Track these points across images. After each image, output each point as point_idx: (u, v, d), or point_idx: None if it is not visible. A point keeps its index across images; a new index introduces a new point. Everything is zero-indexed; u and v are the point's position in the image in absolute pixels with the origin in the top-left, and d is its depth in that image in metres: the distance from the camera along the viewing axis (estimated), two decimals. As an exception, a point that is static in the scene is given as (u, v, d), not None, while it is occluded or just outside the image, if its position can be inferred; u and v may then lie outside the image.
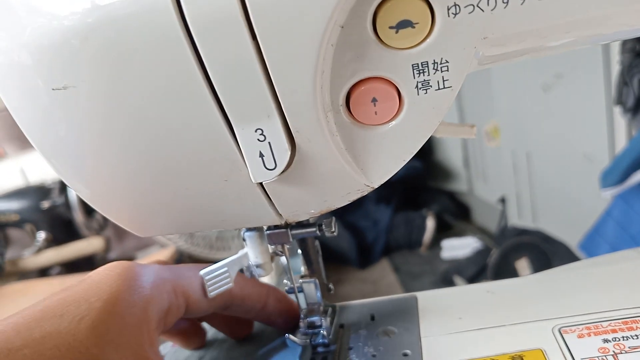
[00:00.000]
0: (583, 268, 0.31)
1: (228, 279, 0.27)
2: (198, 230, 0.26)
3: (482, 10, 0.17)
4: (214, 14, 0.16)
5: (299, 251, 0.30)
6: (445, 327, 0.27)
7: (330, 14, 0.16)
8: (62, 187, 1.07)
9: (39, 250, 1.06)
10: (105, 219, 1.08)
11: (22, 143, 1.23)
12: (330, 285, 0.30)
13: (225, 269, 0.27)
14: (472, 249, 1.46)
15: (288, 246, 0.28)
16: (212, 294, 0.26)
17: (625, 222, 0.78)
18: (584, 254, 0.91)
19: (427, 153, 1.88)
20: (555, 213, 1.19)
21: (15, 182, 1.13)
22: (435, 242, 1.62)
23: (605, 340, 0.23)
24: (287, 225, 0.27)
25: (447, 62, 0.18)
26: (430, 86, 0.19)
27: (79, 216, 1.05)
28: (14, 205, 1.08)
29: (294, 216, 0.24)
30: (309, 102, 0.18)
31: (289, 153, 0.19)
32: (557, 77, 1.03)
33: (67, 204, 1.06)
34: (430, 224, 1.63)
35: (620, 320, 0.24)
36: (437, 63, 0.18)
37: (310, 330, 0.29)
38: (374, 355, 0.26)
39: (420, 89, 0.19)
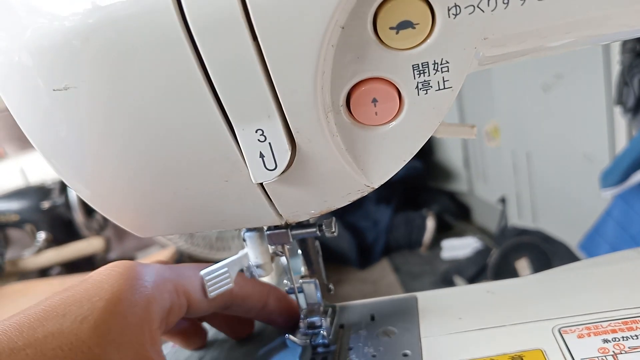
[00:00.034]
0: (583, 268, 0.31)
1: (228, 280, 0.27)
2: (198, 231, 0.26)
3: (483, 11, 0.17)
4: (214, 14, 0.16)
5: (299, 251, 0.30)
6: (445, 327, 0.27)
7: (331, 14, 0.16)
8: (62, 187, 1.07)
9: (39, 250, 1.06)
10: (105, 219, 1.07)
11: (23, 143, 1.23)
12: (331, 286, 0.30)
13: (226, 269, 0.27)
14: (472, 249, 1.46)
15: (288, 246, 0.28)
16: (212, 295, 0.26)
17: (625, 222, 0.78)
18: (584, 254, 0.91)
19: (427, 153, 1.88)
20: (555, 213, 1.19)
21: (16, 182, 1.13)
22: (435, 242, 1.62)
23: (605, 341, 0.23)
24: (287, 226, 0.27)
25: (447, 62, 0.18)
26: (431, 86, 0.19)
27: (79, 216, 1.05)
28: (14, 205, 1.08)
29: (294, 216, 0.24)
30: (309, 103, 0.18)
31: (289, 153, 0.19)
32: (557, 77, 1.03)
33: (67, 204, 1.06)
34: (430, 224, 1.63)
35: (620, 321, 0.24)
36: (437, 63, 0.18)
37: (310, 331, 0.29)
38: (374, 356, 0.26)
39: (420, 89, 0.19)
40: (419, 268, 1.53)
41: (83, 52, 0.18)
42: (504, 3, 0.17)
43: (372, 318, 0.30)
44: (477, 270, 1.28)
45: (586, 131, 1.00)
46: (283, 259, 0.28)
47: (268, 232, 0.27)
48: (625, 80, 0.73)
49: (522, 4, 0.17)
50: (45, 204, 1.06)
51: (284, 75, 0.18)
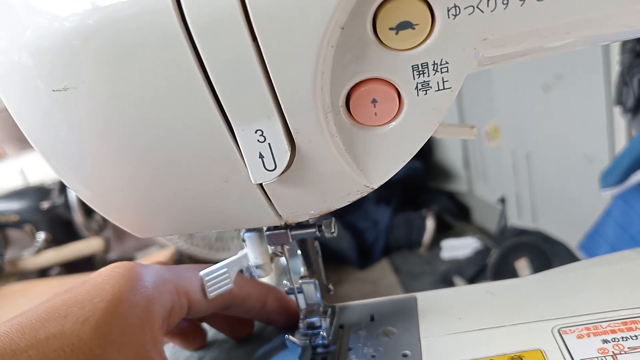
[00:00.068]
0: (583, 268, 0.31)
1: (228, 280, 0.27)
2: (198, 231, 0.26)
3: (482, 12, 0.17)
4: (214, 14, 0.16)
5: (299, 252, 0.30)
6: (445, 327, 0.27)
7: (330, 15, 0.16)
8: (62, 187, 1.07)
9: (39, 250, 1.05)
10: (104, 220, 1.07)
11: (22, 143, 1.23)
12: (330, 286, 0.30)
13: (225, 269, 0.27)
14: (472, 249, 1.46)
15: (288, 247, 0.28)
16: (211, 295, 0.26)
17: (625, 222, 0.78)
18: (583, 254, 0.91)
19: (427, 153, 1.88)
20: (555, 213, 1.19)
21: (15, 182, 1.13)
22: (435, 243, 1.62)
23: (605, 341, 0.23)
24: (287, 226, 0.27)
25: (447, 63, 0.18)
26: (430, 87, 0.19)
27: (78, 217, 1.05)
28: (14, 205, 1.07)
29: (294, 217, 0.24)
30: (309, 103, 0.18)
31: (288, 154, 0.19)
32: (557, 77, 1.03)
33: (66, 205, 1.06)
34: (430, 224, 1.63)
35: (619, 321, 0.24)
36: (437, 64, 0.18)
37: (309, 331, 0.29)
38: (373, 356, 0.26)
39: (420, 89, 0.19)
40: (419, 268, 1.53)
41: (83, 53, 0.18)
42: (503, 3, 0.17)
43: (372, 318, 0.30)
44: (476, 271, 1.28)
45: (586, 131, 1.00)
46: (282, 260, 0.28)
47: (267, 232, 0.27)
48: (625, 80, 0.73)
49: (521, 5, 0.17)
50: (45, 204, 1.06)
51: (283, 75, 0.18)
